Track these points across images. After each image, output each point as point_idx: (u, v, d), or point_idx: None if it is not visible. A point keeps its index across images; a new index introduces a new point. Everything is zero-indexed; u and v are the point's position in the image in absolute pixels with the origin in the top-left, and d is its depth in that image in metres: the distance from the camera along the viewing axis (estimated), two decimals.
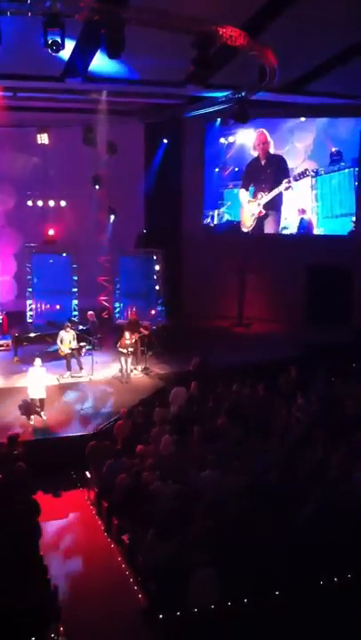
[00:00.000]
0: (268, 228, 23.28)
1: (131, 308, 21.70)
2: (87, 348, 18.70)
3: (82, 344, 18.18)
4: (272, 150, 22.97)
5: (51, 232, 21.46)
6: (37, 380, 14.62)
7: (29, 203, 21.24)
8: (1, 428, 14.01)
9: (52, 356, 17.75)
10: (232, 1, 13.60)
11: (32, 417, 14.49)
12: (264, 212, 23.22)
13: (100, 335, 18.98)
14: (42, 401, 14.65)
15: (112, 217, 22.50)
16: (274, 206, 23.15)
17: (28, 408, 14.47)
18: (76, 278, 21.80)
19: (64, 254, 21.84)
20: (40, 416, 14.53)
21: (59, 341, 17.53)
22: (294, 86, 18.17)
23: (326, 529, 9.08)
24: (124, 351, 17.29)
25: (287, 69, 15.95)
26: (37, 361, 14.89)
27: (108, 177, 22.33)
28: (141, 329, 18.26)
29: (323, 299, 22.11)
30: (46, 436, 14.18)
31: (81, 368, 17.53)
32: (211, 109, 20.03)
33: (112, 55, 11.95)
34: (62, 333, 17.54)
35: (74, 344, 17.48)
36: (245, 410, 13.80)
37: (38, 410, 14.56)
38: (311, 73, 17.45)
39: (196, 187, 23.60)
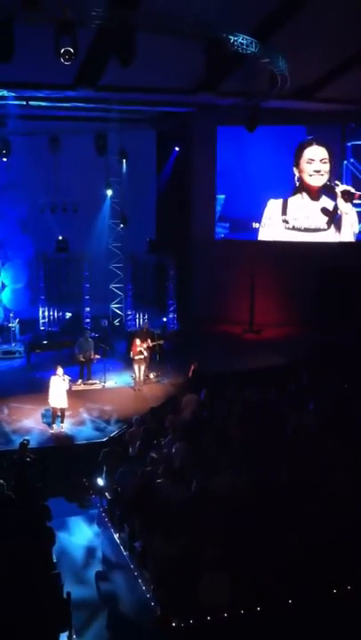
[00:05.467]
0: None
1: (144, 318, 21.83)
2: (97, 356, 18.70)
3: (97, 355, 18.20)
4: None
5: (63, 239, 21.50)
6: (59, 389, 14.66)
7: (42, 210, 21.34)
8: (17, 434, 14.15)
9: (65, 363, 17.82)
10: (242, 7, 13.65)
11: (54, 425, 14.58)
12: None
13: (108, 347, 18.98)
14: (62, 410, 14.70)
15: (124, 224, 22.58)
16: None
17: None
18: (88, 285, 21.87)
19: (76, 261, 21.90)
20: (59, 425, 14.59)
21: (77, 348, 17.63)
22: (306, 92, 18.20)
23: (337, 532, 9.04)
24: (137, 358, 17.32)
25: (298, 75, 15.98)
26: (59, 370, 14.90)
27: (119, 184, 22.46)
28: (149, 339, 18.23)
29: (334, 303, 22.04)
30: (59, 443, 14.22)
31: (89, 377, 17.60)
32: None
33: (124, 63, 12.01)
34: (82, 341, 17.68)
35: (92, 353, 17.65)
36: (257, 415, 13.76)
37: (60, 419, 14.63)
38: (323, 78, 17.52)
39: (207, 193, 23.60)
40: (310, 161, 22.47)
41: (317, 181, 22.53)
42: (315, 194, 22.66)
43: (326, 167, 22.43)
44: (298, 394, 15.07)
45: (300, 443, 12.32)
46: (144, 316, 22.38)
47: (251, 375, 17.05)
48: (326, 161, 22.41)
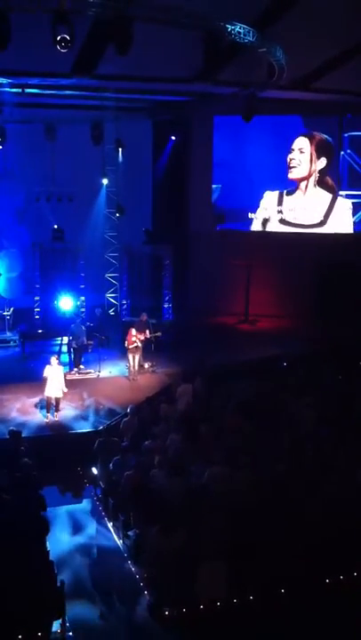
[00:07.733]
0: None
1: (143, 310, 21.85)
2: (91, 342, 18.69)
3: (90, 342, 18.21)
4: None
5: (58, 228, 21.42)
6: (54, 378, 14.65)
7: (37, 199, 21.26)
8: (11, 423, 14.10)
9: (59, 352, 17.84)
10: None
11: (48, 414, 14.58)
12: None
13: (105, 337, 18.98)
14: (57, 400, 14.69)
15: (120, 214, 22.50)
16: None
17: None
18: (83, 275, 21.82)
19: (71, 251, 21.84)
20: (53, 415, 14.58)
21: (69, 337, 17.60)
22: (303, 83, 18.14)
23: (333, 525, 9.08)
24: (131, 347, 17.32)
25: (296, 66, 15.92)
26: (53, 360, 14.90)
27: (115, 174, 22.38)
28: (147, 331, 18.23)
29: (331, 295, 22.05)
30: (53, 432, 14.23)
31: (80, 364, 17.59)
32: None
33: (121, 52, 11.95)
34: (75, 328, 17.67)
35: (84, 340, 17.64)
36: (254, 406, 13.77)
37: (54, 408, 14.63)
38: (321, 69, 17.46)
39: (203, 183, 23.55)
40: (291, 150, 22.56)
41: (292, 173, 22.57)
42: (302, 187, 22.65)
43: (303, 157, 22.37)
44: (296, 386, 15.09)
45: (298, 436, 12.35)
46: (139, 305, 22.35)
47: (247, 367, 17.06)
48: (304, 151, 22.34)
